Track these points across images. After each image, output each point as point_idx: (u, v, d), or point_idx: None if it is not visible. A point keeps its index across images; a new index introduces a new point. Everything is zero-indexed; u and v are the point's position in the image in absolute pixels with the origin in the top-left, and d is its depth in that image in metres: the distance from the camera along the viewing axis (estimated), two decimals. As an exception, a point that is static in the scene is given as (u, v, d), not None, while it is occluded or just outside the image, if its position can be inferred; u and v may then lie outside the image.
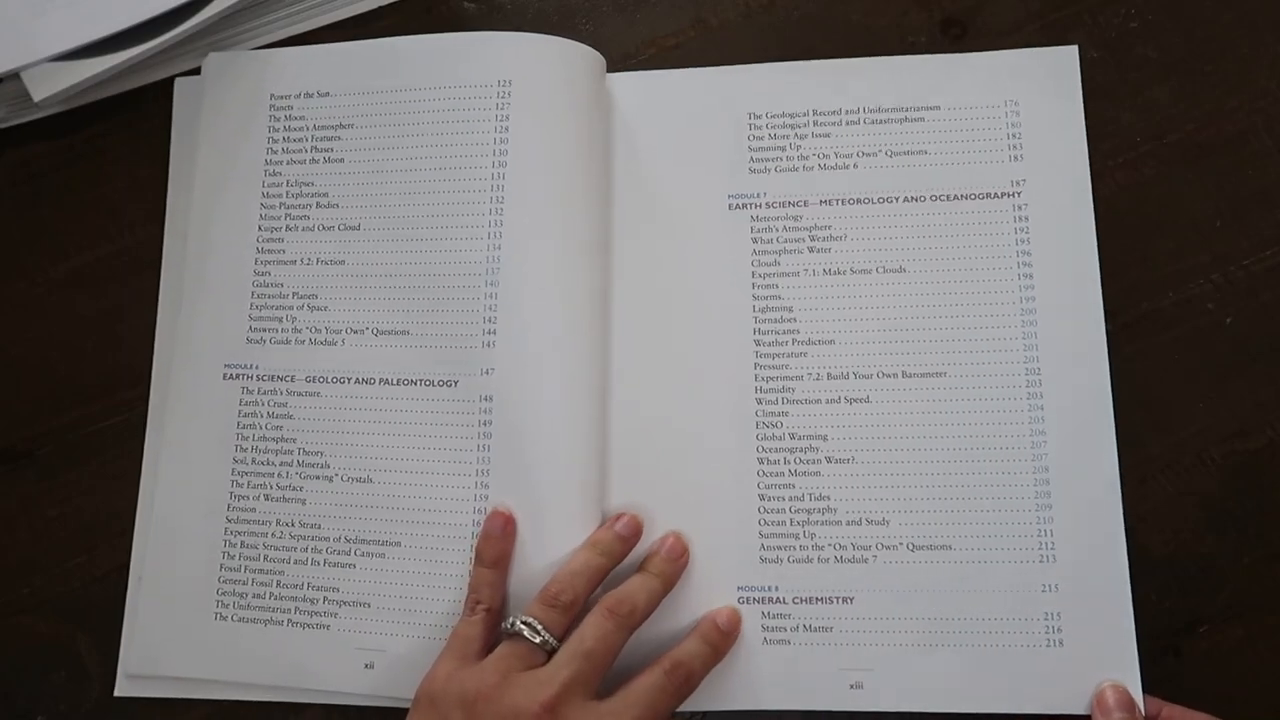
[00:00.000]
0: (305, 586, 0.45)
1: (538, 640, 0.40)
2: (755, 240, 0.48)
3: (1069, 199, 0.47)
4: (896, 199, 0.48)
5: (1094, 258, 0.46)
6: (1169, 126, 0.50)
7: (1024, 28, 0.51)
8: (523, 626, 0.40)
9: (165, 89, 0.52)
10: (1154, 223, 0.49)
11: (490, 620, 0.42)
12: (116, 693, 0.46)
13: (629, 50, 0.52)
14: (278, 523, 0.46)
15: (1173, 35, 0.51)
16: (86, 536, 0.48)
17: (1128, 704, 0.41)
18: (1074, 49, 0.49)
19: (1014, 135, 0.48)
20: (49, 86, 0.49)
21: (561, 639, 0.41)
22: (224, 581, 0.46)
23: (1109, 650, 0.42)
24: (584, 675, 0.39)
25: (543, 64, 0.48)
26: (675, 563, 0.44)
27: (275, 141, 0.50)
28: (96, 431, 0.49)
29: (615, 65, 0.51)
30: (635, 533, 0.44)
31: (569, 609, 0.41)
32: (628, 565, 0.44)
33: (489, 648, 0.41)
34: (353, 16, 0.53)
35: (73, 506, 0.48)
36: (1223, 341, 0.47)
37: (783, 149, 0.48)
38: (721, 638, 0.43)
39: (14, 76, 0.49)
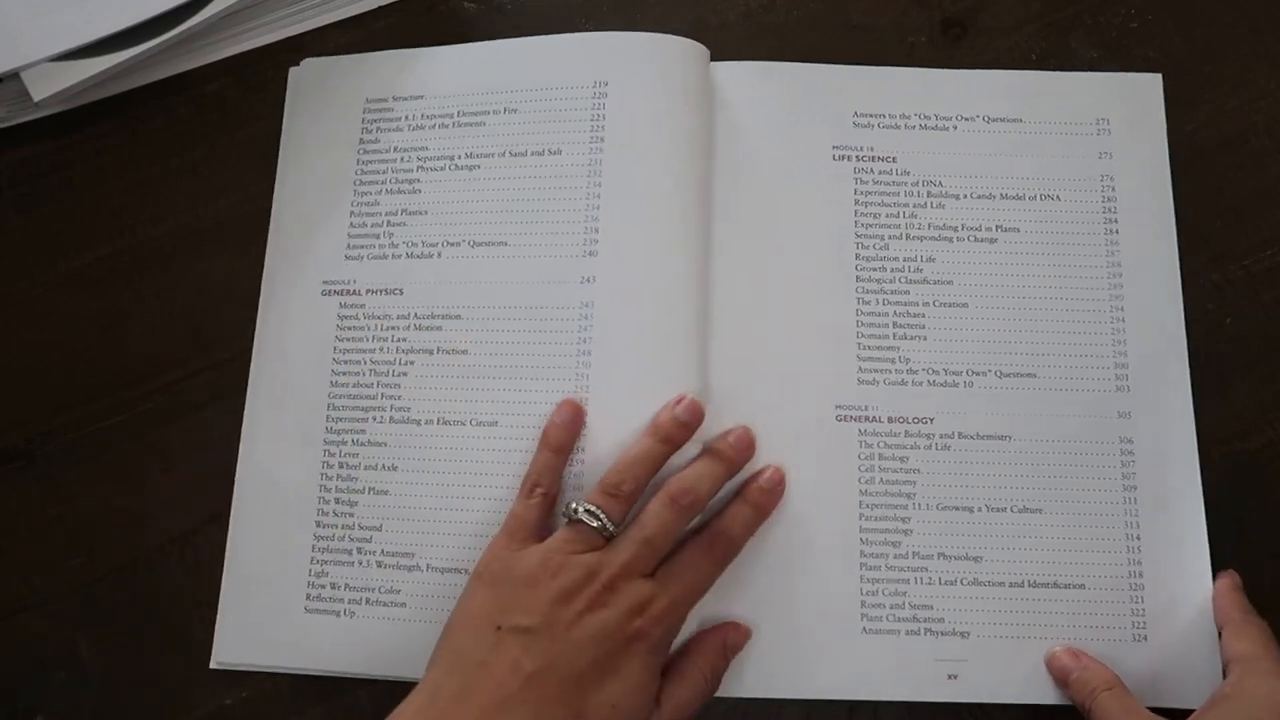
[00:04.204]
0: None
1: (596, 525, 0.41)
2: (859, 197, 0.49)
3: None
4: (994, 196, 0.49)
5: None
6: (1169, 126, 0.49)
7: (1024, 28, 0.51)
8: (584, 513, 0.41)
9: (165, 88, 0.53)
10: (1154, 223, 0.49)
11: (545, 505, 0.43)
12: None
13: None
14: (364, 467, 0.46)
15: (1173, 35, 0.51)
16: (86, 536, 0.48)
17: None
18: (1158, 77, 0.50)
19: (1104, 153, 0.49)
20: (49, 86, 0.49)
21: (619, 524, 0.41)
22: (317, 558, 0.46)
23: (1192, 642, 0.43)
24: (642, 559, 0.40)
25: (641, 62, 0.48)
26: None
27: (368, 135, 0.50)
28: (96, 431, 0.49)
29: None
30: (696, 417, 0.44)
31: (629, 498, 0.42)
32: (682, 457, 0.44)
33: (542, 534, 0.42)
34: (353, 16, 0.53)
35: (73, 506, 0.48)
36: (1223, 341, 0.47)
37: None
38: (763, 495, 0.44)
39: (14, 76, 0.49)
